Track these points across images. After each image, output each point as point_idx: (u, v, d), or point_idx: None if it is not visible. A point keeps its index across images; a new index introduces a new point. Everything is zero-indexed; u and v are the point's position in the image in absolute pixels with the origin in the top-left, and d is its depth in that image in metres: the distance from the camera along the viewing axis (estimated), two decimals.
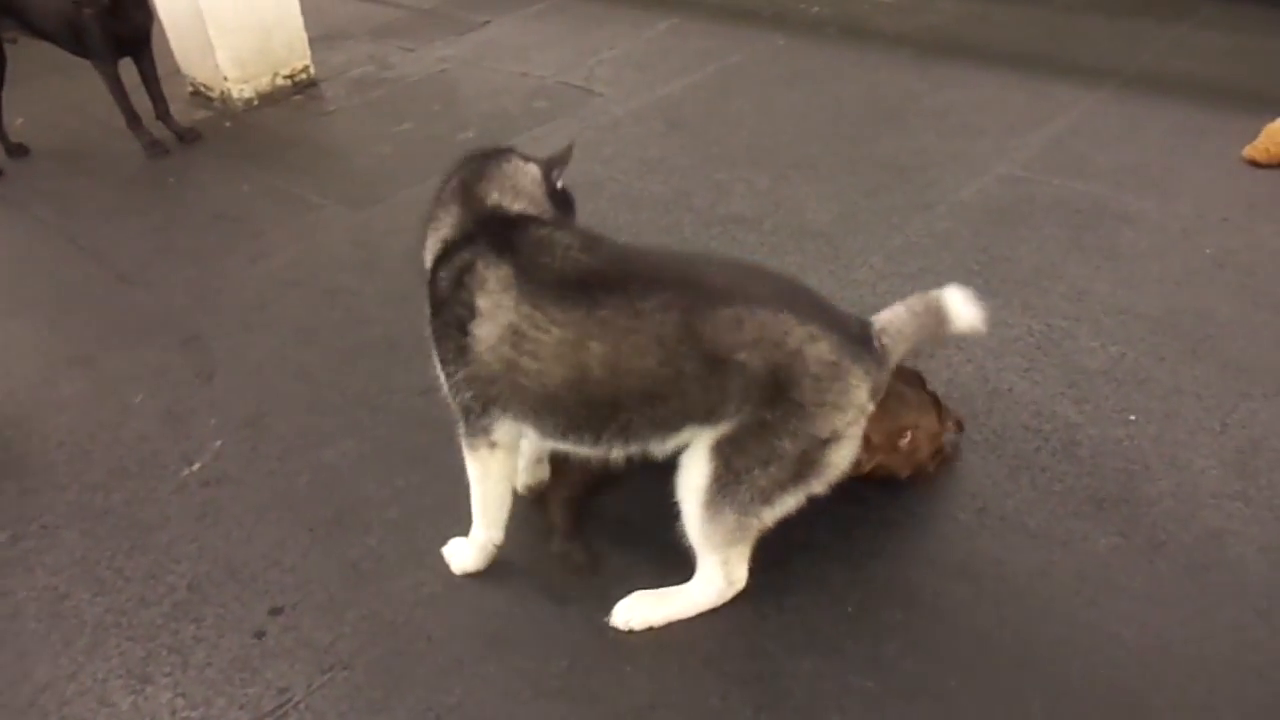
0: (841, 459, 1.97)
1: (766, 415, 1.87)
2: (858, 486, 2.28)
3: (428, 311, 2.11)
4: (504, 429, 2.08)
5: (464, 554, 2.33)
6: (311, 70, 5.54)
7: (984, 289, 3.14)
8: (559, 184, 2.22)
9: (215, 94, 5.35)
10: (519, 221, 2.03)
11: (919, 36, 5.37)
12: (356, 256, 3.79)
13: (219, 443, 2.86)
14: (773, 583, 2.21)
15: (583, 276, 1.92)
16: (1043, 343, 2.93)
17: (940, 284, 3.12)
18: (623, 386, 1.90)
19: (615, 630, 2.18)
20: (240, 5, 5.13)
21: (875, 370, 1.94)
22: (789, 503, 1.99)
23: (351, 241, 3.91)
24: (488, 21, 6.23)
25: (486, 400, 2.02)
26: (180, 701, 2.12)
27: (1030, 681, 2.00)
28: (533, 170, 2.18)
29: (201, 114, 5.28)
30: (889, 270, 3.32)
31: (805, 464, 1.93)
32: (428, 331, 2.12)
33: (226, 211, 4.24)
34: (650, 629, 2.16)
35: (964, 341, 2.94)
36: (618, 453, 2.05)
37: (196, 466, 2.77)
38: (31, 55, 4.77)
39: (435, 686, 2.10)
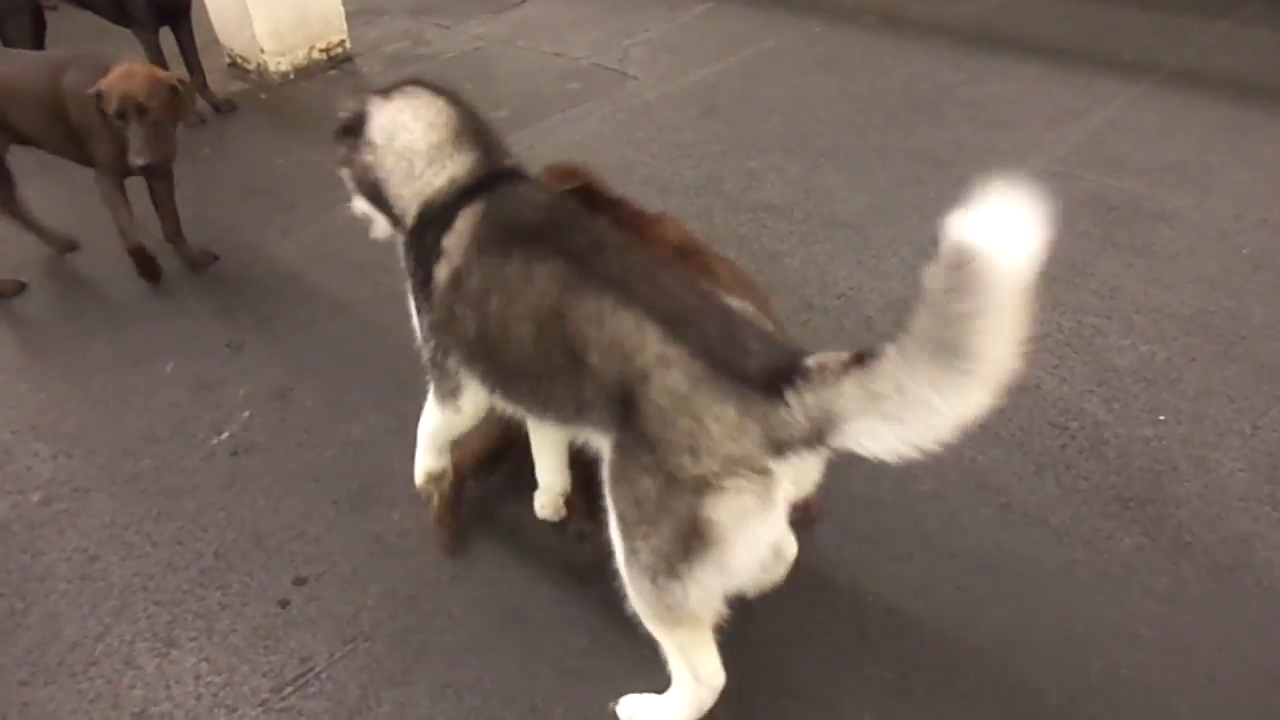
0: (729, 519, 1.56)
1: (625, 439, 1.64)
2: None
3: (404, 256, 2.06)
4: (469, 398, 2.05)
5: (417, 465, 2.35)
6: (347, 45, 5.57)
7: None
8: None
9: (252, 66, 5.38)
10: (509, 174, 1.99)
11: (957, 26, 5.32)
12: None
13: (247, 413, 2.89)
14: (791, 571, 2.21)
15: (517, 226, 1.84)
16: (1072, 339, 2.91)
17: None
18: (508, 352, 1.82)
19: (633, 611, 2.19)
20: None
21: (774, 425, 1.51)
22: (698, 580, 1.63)
23: None
24: (524, 0, 6.22)
25: (442, 349, 1.99)
26: (204, 666, 2.16)
27: (1049, 678, 2.00)
28: None
29: (238, 86, 5.32)
30: (920, 263, 3.29)
31: (682, 517, 1.58)
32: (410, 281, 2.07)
33: (260, 184, 4.28)
34: None
35: None
36: (548, 421, 1.93)
37: (225, 436, 2.81)
38: (71, 23, 4.81)
39: (454, 662, 2.13)
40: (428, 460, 2.34)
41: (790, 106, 4.56)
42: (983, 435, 2.58)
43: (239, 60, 5.48)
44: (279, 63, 5.31)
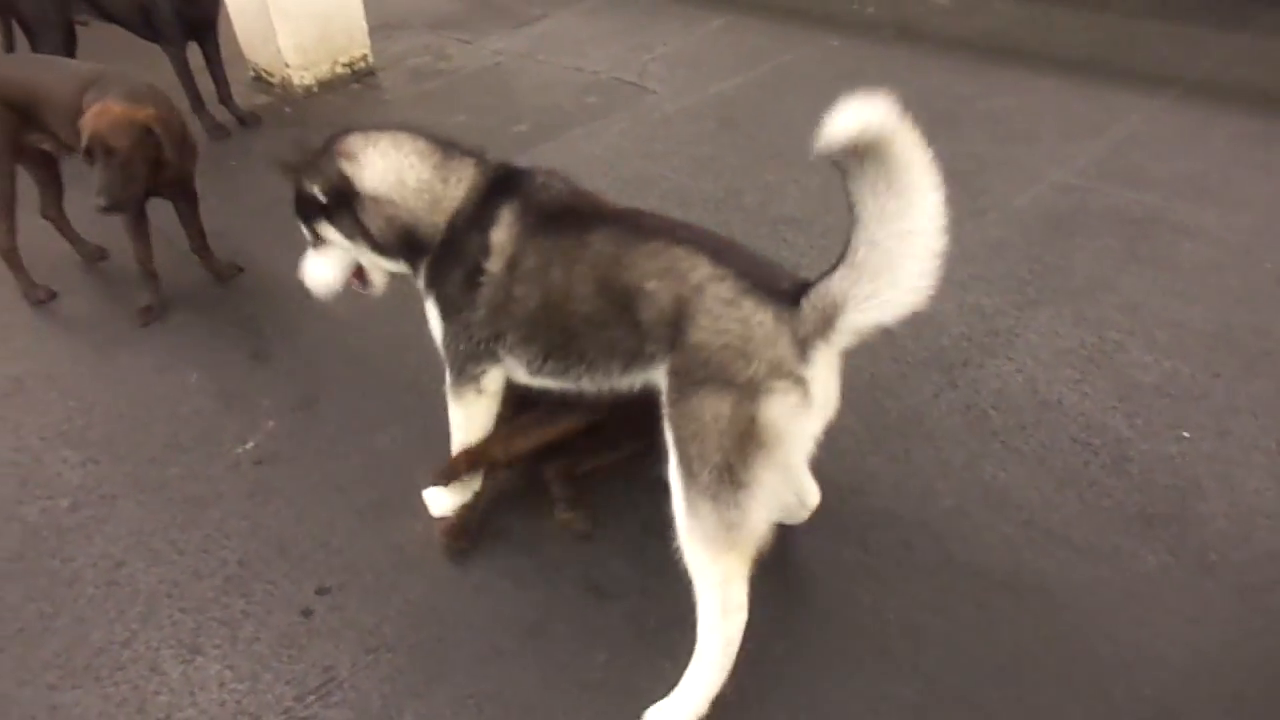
0: (781, 419, 1.78)
1: (680, 361, 1.84)
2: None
3: (427, 271, 2.20)
4: (492, 377, 2.23)
5: (444, 499, 2.44)
6: (370, 59, 5.62)
7: (1035, 298, 3.15)
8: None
9: (276, 80, 5.44)
10: (524, 171, 2.18)
11: (974, 40, 5.32)
12: None
13: (271, 423, 2.92)
14: (812, 588, 2.22)
15: (560, 209, 2.08)
16: (1095, 355, 2.90)
17: (992, 292, 3.13)
18: (574, 311, 2.00)
19: (654, 625, 2.20)
20: None
21: (798, 326, 1.77)
22: (760, 482, 1.80)
23: None
24: (543, 15, 6.27)
25: (489, 338, 2.14)
26: (228, 674, 2.17)
27: (1072, 698, 1.99)
28: None
29: (262, 99, 5.38)
30: (939, 276, 3.29)
31: (741, 421, 1.77)
32: (430, 297, 2.22)
33: (284, 196, 4.27)
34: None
35: (1014, 351, 2.92)
36: (588, 385, 2.10)
37: (249, 445, 2.83)
38: (100, 38, 4.87)
39: (475, 674, 2.13)
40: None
41: (809, 120, 4.48)
42: (1004, 451, 2.58)
43: (263, 74, 5.53)
44: (302, 76, 5.37)
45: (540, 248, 2.02)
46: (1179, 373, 2.81)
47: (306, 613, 2.31)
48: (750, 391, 1.77)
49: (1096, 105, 4.44)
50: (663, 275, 1.87)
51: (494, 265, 2.06)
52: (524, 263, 2.03)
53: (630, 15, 6.12)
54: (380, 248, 2.22)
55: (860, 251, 1.68)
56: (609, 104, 4.92)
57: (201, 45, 4.77)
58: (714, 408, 1.79)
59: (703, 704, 1.98)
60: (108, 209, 3.07)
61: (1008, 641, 2.11)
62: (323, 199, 2.19)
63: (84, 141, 3.02)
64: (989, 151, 4.12)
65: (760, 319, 1.78)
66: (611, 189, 4.03)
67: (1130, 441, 2.58)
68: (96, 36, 4.83)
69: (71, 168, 3.74)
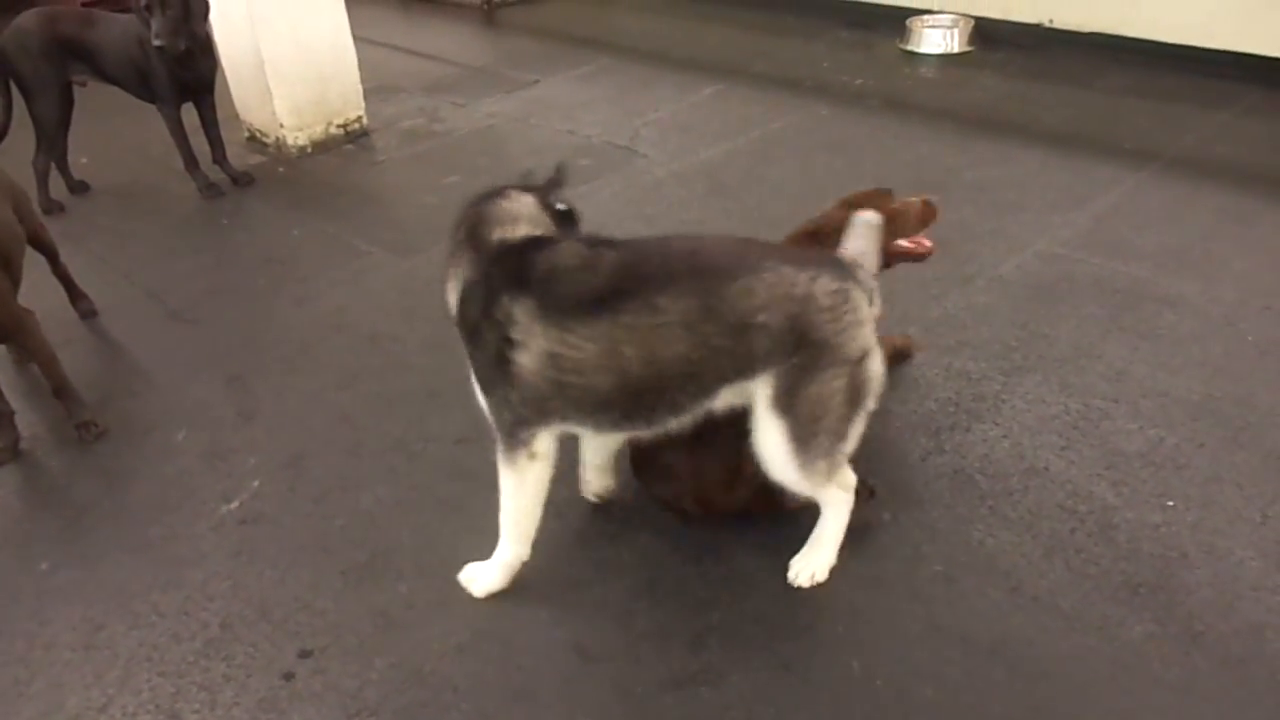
0: (877, 367, 2.17)
1: (798, 360, 2.05)
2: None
3: (463, 341, 2.25)
4: (543, 441, 2.24)
5: (489, 575, 2.43)
6: (364, 121, 5.70)
7: (1021, 365, 3.17)
8: (558, 205, 2.38)
9: (270, 140, 5.50)
10: (524, 246, 2.17)
11: (961, 112, 5.44)
12: (400, 303, 3.85)
13: (257, 482, 2.90)
14: (800, 653, 2.20)
15: (597, 293, 2.08)
16: (1080, 422, 2.92)
17: (978, 357, 3.17)
18: (663, 373, 2.08)
19: (640, 691, 2.17)
20: (300, 56, 5.31)
21: (866, 285, 2.17)
22: (858, 428, 2.21)
23: (395, 289, 3.98)
24: (537, 80, 6.39)
25: (540, 415, 2.18)
26: None
27: None
28: (528, 199, 2.33)
29: (256, 159, 5.43)
30: (926, 342, 3.33)
31: (854, 388, 2.12)
32: (469, 361, 2.25)
33: (275, 254, 4.34)
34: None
35: (1000, 416, 2.94)
36: (674, 425, 2.21)
37: (234, 505, 2.81)
38: (98, 98, 4.93)
39: None
40: (515, 549, 2.42)
41: (797, 186, 4.64)
42: (991, 516, 2.58)
43: (258, 134, 5.60)
44: (297, 137, 5.44)
45: (591, 336, 2.06)
46: (1163, 441, 2.83)
47: (288, 676, 2.27)
48: (864, 355, 2.12)
49: (1081, 178, 4.53)
50: (768, 306, 2.03)
51: (526, 359, 2.11)
52: (572, 355, 2.08)
53: (623, 82, 6.25)
54: None
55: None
56: (600, 167, 4.99)
57: (197, 106, 4.83)
58: (838, 382, 2.09)
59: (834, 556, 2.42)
60: None
61: (996, 709, 2.09)
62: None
63: None
64: (975, 220, 4.19)
65: (859, 297, 2.10)
66: None
67: (1116, 509, 2.59)
68: (93, 96, 4.89)
69: (55, 228, 3.76)
